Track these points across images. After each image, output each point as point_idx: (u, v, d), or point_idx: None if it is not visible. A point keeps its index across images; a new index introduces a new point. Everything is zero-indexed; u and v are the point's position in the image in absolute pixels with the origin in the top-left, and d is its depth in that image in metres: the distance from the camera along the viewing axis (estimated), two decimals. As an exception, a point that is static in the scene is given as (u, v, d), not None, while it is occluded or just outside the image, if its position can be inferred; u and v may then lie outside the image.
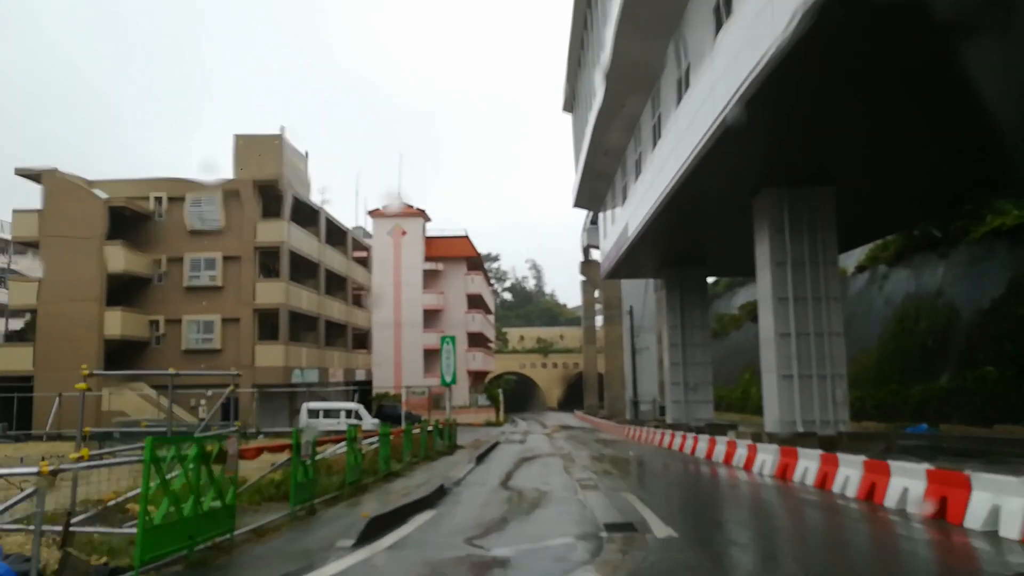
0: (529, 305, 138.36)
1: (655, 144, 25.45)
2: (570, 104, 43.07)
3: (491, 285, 71.00)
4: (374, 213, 52.54)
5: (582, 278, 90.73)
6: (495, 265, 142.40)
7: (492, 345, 75.46)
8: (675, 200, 24.05)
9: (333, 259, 37.14)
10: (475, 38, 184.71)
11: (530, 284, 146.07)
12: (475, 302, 54.81)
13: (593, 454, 24.71)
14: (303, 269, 33.68)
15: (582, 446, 29.20)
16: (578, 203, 43.59)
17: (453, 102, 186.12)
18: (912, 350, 40.68)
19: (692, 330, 37.60)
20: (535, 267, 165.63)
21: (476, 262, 54.80)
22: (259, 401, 28.88)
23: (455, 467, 16.93)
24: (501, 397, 58.62)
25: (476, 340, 55.17)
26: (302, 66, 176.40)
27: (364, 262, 53.30)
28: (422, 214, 52.29)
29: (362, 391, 53.38)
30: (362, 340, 48.91)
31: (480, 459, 20.18)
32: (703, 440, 25.68)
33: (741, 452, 20.67)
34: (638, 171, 29.22)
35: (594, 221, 54.97)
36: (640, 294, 53.67)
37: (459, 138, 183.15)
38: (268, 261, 31.15)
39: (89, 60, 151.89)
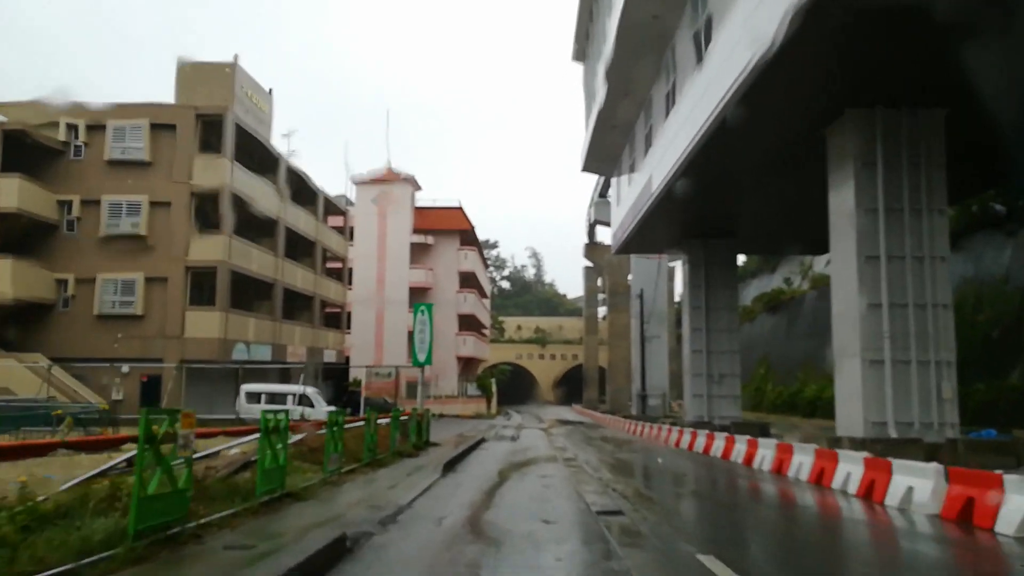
0: (528, 294, 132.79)
1: (699, 60, 19.72)
2: (582, 51, 37.24)
3: (487, 267, 65.47)
4: (358, 182, 46.89)
5: (586, 264, 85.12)
6: (494, 252, 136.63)
7: (487, 332, 69.88)
8: (715, 140, 18.53)
9: (298, 218, 31.18)
10: (470, 18, 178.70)
11: (529, 273, 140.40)
12: (468, 281, 49.27)
13: (606, 459, 19.15)
14: (256, 226, 27.90)
15: (587, 446, 23.66)
16: (587, 166, 37.86)
17: (451, 88, 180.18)
18: (973, 343, 35.21)
19: (717, 313, 31.96)
20: (535, 255, 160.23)
21: (470, 236, 49.29)
22: (188, 380, 23.19)
23: (407, 480, 11.32)
24: (494, 387, 53.07)
25: (468, 323, 49.70)
26: (287, 37, 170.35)
27: (344, 232, 47.63)
28: (411, 181, 46.68)
29: (338, 374, 47.76)
30: (338, 318, 43.33)
31: (451, 465, 14.55)
32: (740, 442, 20.49)
33: (801, 460, 15.40)
34: (670, 105, 23.52)
35: (603, 194, 49.30)
36: (651, 278, 48.06)
37: (456, 122, 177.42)
38: (208, 209, 25.29)
39: None
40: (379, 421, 15.41)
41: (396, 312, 46.18)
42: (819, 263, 63.03)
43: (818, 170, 17.85)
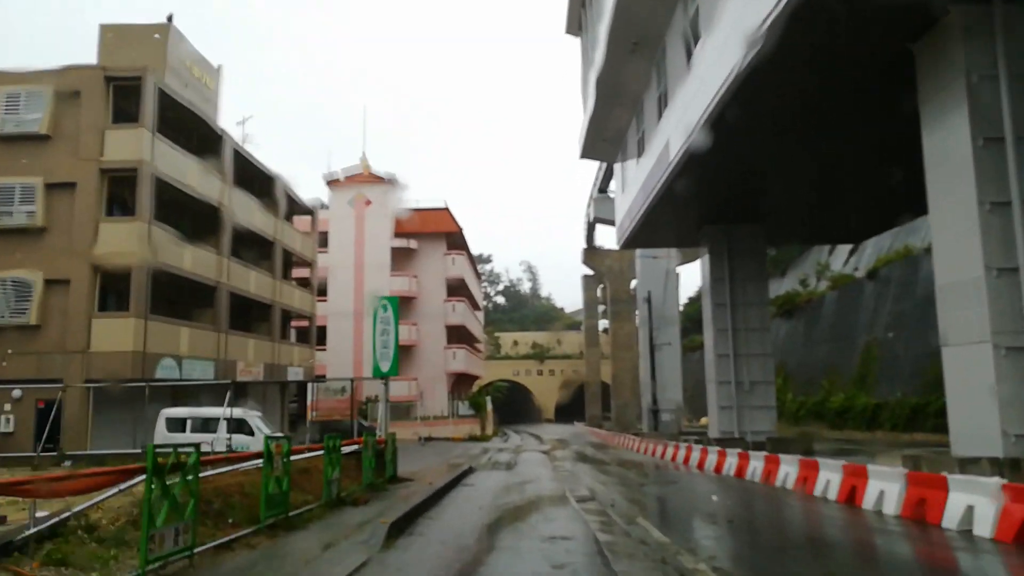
0: (524, 309, 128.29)
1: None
2: (576, 22, 32.87)
3: (480, 279, 60.87)
4: (332, 183, 42.33)
5: (585, 273, 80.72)
6: (487, 267, 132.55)
7: (480, 347, 65.14)
8: (753, 81, 14.25)
9: (250, 212, 26.22)
10: (452, 20, 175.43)
11: (525, 287, 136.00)
12: (457, 288, 44.68)
13: (635, 496, 14.35)
14: (193, 216, 23.09)
15: (602, 475, 18.92)
16: (587, 151, 33.35)
17: (437, 97, 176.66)
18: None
19: (746, 310, 27.40)
20: (530, 269, 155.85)
21: (458, 240, 44.76)
22: (97, 406, 18.31)
23: (310, 569, 6.52)
24: (488, 405, 48.22)
25: (458, 335, 45.05)
26: (264, 37, 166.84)
27: (313, 234, 42.92)
28: (390, 180, 42.24)
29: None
30: (308, 331, 38.63)
31: (410, 520, 9.73)
32: (789, 464, 16.13)
33: (888, 488, 11.06)
34: (693, 44, 19.06)
35: (603, 189, 44.82)
36: (658, 280, 43.48)
37: (445, 132, 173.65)
38: (123, 194, 20.47)
39: None
40: (344, 449, 10.78)
41: (377, 324, 41.51)
42: (837, 260, 58.69)
43: (868, 130, 13.49)
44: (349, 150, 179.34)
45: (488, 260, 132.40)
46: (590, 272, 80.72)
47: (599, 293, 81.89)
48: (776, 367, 58.57)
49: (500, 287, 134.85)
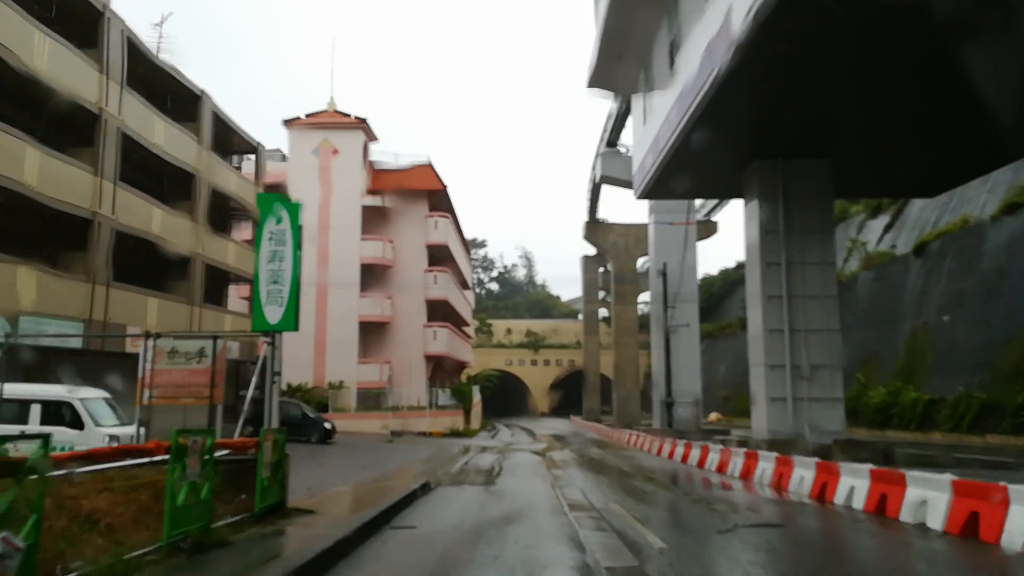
0: (518, 296, 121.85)
1: None
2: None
3: (469, 252, 54.19)
4: (292, 123, 35.56)
5: (585, 253, 74.37)
6: (481, 252, 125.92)
7: (470, 331, 58.76)
8: None
9: (150, 127, 19.70)
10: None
11: (520, 274, 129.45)
12: (440, 256, 38.13)
13: (734, 554, 7.90)
14: (58, 121, 16.59)
15: (638, 502, 12.38)
16: (597, 78, 26.89)
17: (434, 73, 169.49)
18: None
19: (806, 271, 21.11)
20: (525, 255, 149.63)
21: (441, 200, 38.18)
22: None
23: None
24: (476, 396, 41.82)
25: (440, 311, 38.56)
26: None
27: (259, 182, 36.29)
28: (362, 125, 35.41)
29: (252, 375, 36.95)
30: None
31: None
32: (924, 489, 10.02)
33: None
34: None
35: (612, 143, 38.35)
36: (675, 248, 37.08)
37: (439, 114, 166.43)
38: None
39: None
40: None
41: (343, 297, 35.06)
42: (868, 237, 52.32)
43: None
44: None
45: (482, 245, 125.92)
46: (590, 253, 74.45)
47: (600, 277, 75.52)
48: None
49: (494, 273, 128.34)
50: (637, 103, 26.70)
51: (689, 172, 22.87)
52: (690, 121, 18.42)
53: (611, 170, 37.77)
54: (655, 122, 22.69)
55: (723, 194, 29.67)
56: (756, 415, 21.81)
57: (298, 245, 9.20)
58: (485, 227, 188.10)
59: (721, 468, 18.47)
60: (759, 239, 21.19)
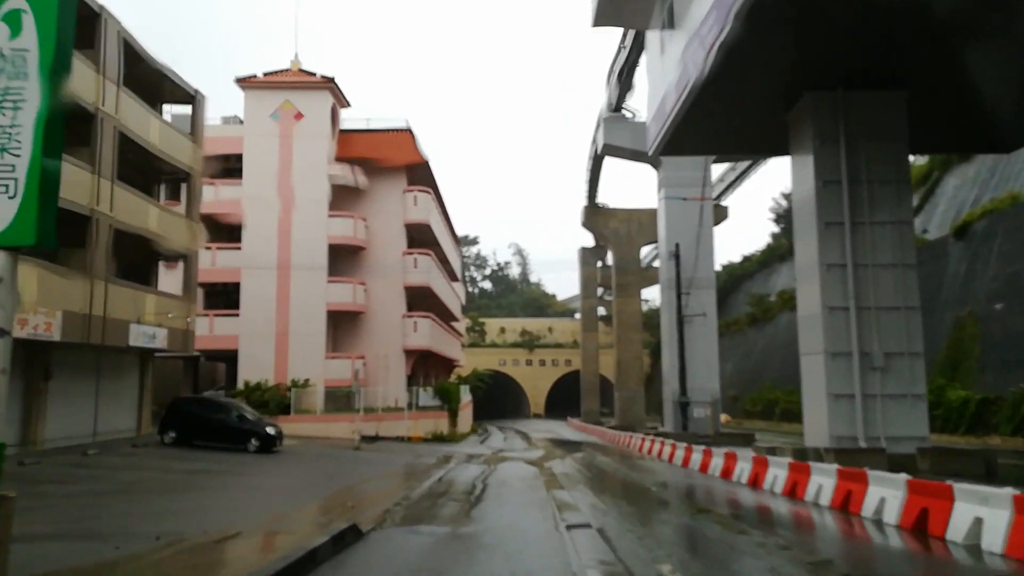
0: (512, 295, 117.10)
1: None
2: None
3: (458, 242, 49.38)
4: (247, 82, 30.68)
5: (582, 246, 69.70)
6: (474, 249, 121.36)
7: (460, 327, 54.10)
8: None
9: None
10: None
11: (514, 271, 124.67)
12: (420, 237, 33.35)
13: None
14: None
15: (697, 557, 7.81)
16: (604, 14, 22.31)
17: (422, 52, 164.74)
18: None
19: (874, 232, 16.60)
20: (519, 252, 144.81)
21: (422, 173, 33.31)
22: None
23: None
24: (464, 395, 37.18)
25: (421, 300, 33.70)
26: None
27: (198, 137, 31.57)
28: (330, 86, 30.54)
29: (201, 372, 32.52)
30: (191, 277, 27.73)
31: None
32: None
33: None
34: None
35: (616, 107, 33.76)
36: (689, 227, 32.59)
37: (429, 106, 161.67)
38: None
39: None
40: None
41: (309, 283, 30.36)
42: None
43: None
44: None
45: (474, 242, 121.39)
46: (588, 244, 69.98)
47: (599, 272, 70.91)
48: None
49: (487, 271, 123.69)
50: (653, 39, 22.08)
51: (720, 116, 18.29)
52: (727, 41, 13.82)
53: (615, 138, 33.18)
54: (676, 50, 18.09)
55: (758, 149, 25.07)
56: (811, 417, 17.22)
57: (50, 75, 4.52)
58: (477, 224, 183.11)
59: (755, 482, 13.92)
60: (814, 193, 16.65)
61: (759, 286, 70.23)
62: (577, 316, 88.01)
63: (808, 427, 17.33)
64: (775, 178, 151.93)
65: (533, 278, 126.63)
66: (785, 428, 45.82)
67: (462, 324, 63.97)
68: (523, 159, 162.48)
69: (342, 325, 32.30)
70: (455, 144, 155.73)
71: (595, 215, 50.23)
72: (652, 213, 50.30)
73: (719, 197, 46.79)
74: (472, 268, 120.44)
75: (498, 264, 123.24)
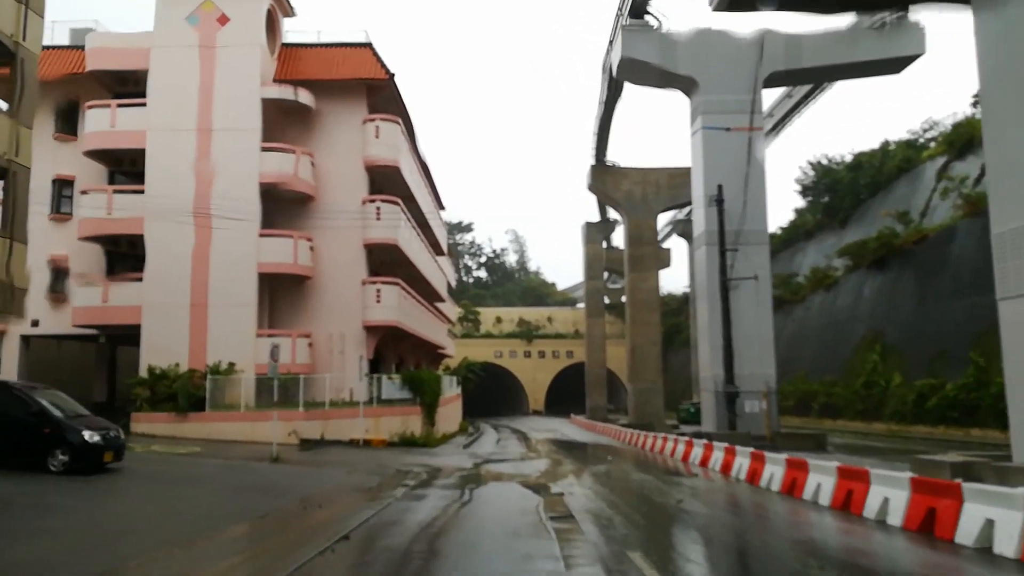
0: (509, 283, 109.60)
1: None
2: None
3: (439, 201, 41.36)
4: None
5: (587, 221, 61.71)
6: (468, 237, 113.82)
7: (447, 310, 46.57)
8: None
9: None
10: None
11: (510, 259, 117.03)
12: (385, 180, 25.46)
13: None
14: None
15: None
16: None
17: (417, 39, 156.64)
18: None
19: None
20: (516, 239, 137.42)
21: (387, 98, 25.48)
22: None
23: None
24: (449, 387, 29.78)
25: (386, 261, 25.71)
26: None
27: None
28: (267, -13, 23.06)
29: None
30: (17, 217, 20.40)
31: None
32: None
33: None
34: None
35: (639, 14, 26.07)
36: (734, 164, 25.05)
37: (421, 80, 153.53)
38: None
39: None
40: None
41: (236, 237, 22.76)
42: (963, 173, 39.80)
43: None
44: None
45: (468, 229, 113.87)
46: (592, 219, 62.12)
47: (605, 253, 63.08)
48: (865, 338, 40.37)
49: (482, 259, 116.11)
50: None
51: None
52: None
53: (638, 51, 25.49)
54: None
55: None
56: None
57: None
58: (470, 212, 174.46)
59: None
60: None
61: (783, 266, 62.57)
62: (580, 306, 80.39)
63: (1016, 436, 9.74)
64: (799, 146, 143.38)
65: (532, 266, 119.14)
66: (828, 425, 38.63)
67: (453, 311, 56.40)
68: (517, 141, 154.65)
69: (281, 293, 24.71)
70: (445, 125, 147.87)
71: (604, 176, 42.69)
72: (671, 173, 42.83)
73: (777, 127, 39.35)
74: (466, 257, 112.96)
75: (494, 251, 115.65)
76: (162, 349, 22.67)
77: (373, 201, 25.30)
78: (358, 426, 22.51)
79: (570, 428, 46.30)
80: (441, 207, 44.45)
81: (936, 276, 35.25)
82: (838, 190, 54.60)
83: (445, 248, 44.60)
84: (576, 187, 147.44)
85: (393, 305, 25.49)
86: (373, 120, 25.28)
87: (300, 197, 24.66)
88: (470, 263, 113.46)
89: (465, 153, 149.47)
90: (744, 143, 24.88)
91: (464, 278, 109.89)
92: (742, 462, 15.01)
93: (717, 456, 16.66)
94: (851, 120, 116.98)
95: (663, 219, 51.75)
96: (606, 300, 68.84)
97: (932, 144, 48.07)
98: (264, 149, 23.67)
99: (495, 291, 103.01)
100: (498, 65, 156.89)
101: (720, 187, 24.55)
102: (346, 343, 24.82)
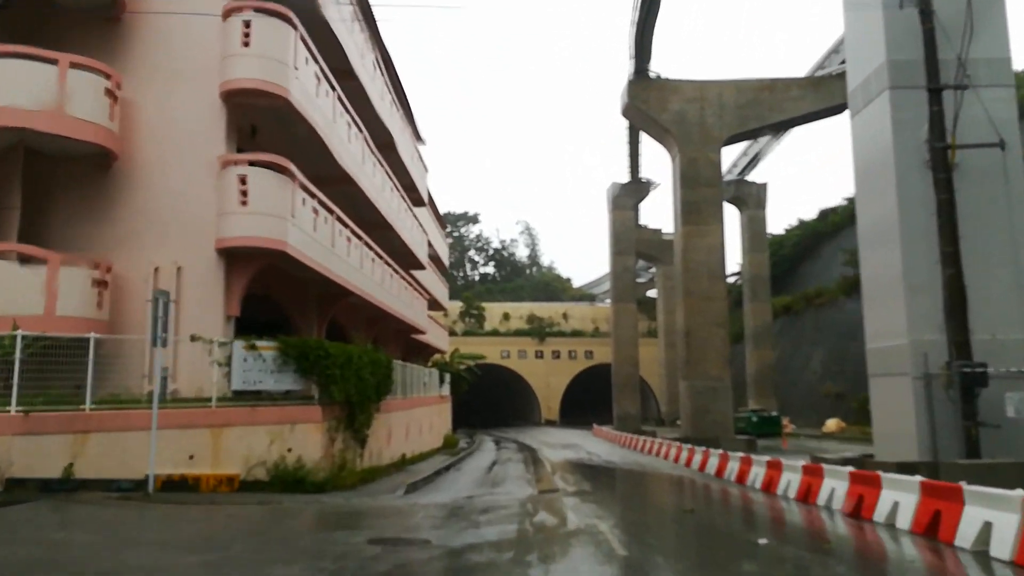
0: (519, 279, 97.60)
1: None
2: None
3: (415, 130, 29.10)
4: None
5: (613, 181, 48.18)
6: (474, 229, 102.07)
7: (432, 279, 34.53)
8: None
9: None
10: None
11: (521, 252, 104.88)
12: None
13: None
14: None
15: None
16: None
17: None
18: None
19: None
20: (527, 231, 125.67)
21: None
22: None
23: None
24: (439, 388, 17.29)
25: (261, 139, 13.84)
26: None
27: None
28: None
29: None
30: None
31: None
32: None
33: None
34: None
35: None
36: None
37: (422, 66, 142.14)
38: None
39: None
40: None
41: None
42: None
43: None
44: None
45: (474, 220, 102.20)
46: (620, 180, 48.66)
47: (634, 226, 50.13)
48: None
49: (489, 252, 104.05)
50: None
51: None
52: None
53: None
54: None
55: None
56: None
57: None
58: (477, 202, 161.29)
59: None
60: None
61: (851, 242, 49.58)
62: (605, 303, 67.49)
63: None
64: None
65: (544, 260, 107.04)
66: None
67: (454, 307, 44.42)
68: (529, 131, 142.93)
69: (58, 182, 12.63)
70: (448, 107, 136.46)
71: (646, 91, 30.48)
72: (738, 87, 29.97)
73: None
74: (473, 250, 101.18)
75: (502, 242, 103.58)
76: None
77: (240, 11, 13.03)
78: (175, 445, 10.26)
79: (595, 443, 33.98)
80: (420, 140, 32.44)
81: None
82: None
83: (425, 196, 32.56)
84: (593, 179, 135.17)
85: (278, 211, 13.18)
86: None
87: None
88: (476, 257, 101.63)
89: (470, 141, 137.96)
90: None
91: (469, 272, 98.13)
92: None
93: (973, 516, 4.94)
94: None
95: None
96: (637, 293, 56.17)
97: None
98: None
99: (503, 287, 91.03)
100: (502, 41, 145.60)
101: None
102: (183, 283, 12.58)
